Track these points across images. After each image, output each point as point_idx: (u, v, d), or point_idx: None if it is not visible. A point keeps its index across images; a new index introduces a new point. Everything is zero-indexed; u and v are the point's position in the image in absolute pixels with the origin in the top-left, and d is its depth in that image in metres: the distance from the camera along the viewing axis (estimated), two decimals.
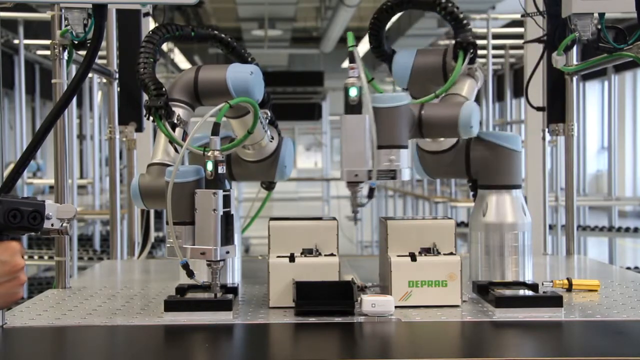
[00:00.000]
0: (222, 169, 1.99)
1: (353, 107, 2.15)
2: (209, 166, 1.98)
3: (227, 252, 2.02)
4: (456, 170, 2.47)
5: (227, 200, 2.00)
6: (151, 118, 2.10)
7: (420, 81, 2.42)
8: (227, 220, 2.00)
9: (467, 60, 2.35)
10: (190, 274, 2.05)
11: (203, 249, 1.99)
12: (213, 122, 2.03)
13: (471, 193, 2.51)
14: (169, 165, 2.10)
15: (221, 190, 1.99)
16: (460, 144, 2.44)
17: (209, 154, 1.99)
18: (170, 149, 2.12)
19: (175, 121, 2.10)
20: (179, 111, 2.14)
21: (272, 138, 2.38)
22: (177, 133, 2.11)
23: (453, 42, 2.38)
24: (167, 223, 2.01)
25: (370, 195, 2.21)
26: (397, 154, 2.18)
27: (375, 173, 2.16)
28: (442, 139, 2.44)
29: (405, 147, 2.21)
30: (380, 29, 2.49)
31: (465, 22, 2.35)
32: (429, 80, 2.44)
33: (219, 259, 2.00)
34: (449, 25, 2.38)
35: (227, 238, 2.00)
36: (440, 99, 2.37)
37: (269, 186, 2.63)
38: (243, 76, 2.16)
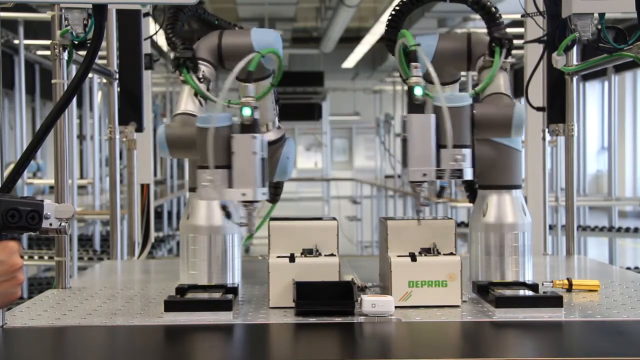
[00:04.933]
0: (257, 114, 2.08)
1: (418, 107, 2.15)
2: (247, 111, 2.05)
3: (263, 194, 2.10)
4: None
5: (263, 145, 2.09)
6: (179, 73, 2.23)
7: (441, 65, 2.40)
8: (263, 163, 2.10)
9: (503, 55, 2.36)
10: (229, 215, 2.14)
11: (244, 190, 2.07)
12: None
13: (467, 194, 2.51)
14: (193, 116, 2.20)
15: (259, 134, 2.07)
16: None
17: (244, 99, 2.06)
18: (195, 100, 2.23)
19: (200, 76, 2.22)
20: (204, 69, 2.26)
21: (279, 127, 2.41)
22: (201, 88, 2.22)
23: (475, 30, 2.37)
24: (200, 167, 2.08)
25: (440, 194, 2.22)
26: (463, 154, 2.19)
27: (446, 172, 2.16)
28: None
29: (470, 146, 2.22)
30: (400, 21, 2.45)
31: (498, 15, 2.34)
32: (451, 65, 2.44)
33: (258, 199, 2.08)
34: (482, 19, 2.37)
35: (262, 180, 2.10)
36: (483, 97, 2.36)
37: (274, 199, 2.67)
38: (268, 35, 2.29)
